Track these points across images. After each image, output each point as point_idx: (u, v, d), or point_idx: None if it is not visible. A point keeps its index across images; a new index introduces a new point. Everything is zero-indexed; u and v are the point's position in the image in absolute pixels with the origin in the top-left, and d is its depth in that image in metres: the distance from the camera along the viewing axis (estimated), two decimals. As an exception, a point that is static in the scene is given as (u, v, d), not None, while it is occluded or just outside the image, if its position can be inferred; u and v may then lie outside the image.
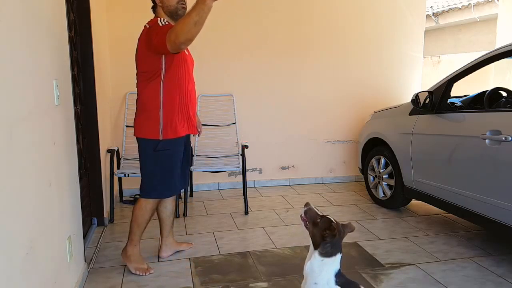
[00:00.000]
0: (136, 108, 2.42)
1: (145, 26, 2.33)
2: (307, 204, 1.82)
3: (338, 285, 1.72)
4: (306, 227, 1.79)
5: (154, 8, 2.43)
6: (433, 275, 2.45)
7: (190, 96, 2.44)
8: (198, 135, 2.86)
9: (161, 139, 2.33)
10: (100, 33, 3.45)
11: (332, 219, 1.73)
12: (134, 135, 2.43)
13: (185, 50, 2.38)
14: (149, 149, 2.38)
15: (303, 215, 1.80)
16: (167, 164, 2.40)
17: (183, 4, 2.38)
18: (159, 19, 2.28)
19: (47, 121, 1.79)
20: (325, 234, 1.69)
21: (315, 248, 1.74)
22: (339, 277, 1.73)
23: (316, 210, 1.79)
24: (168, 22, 2.30)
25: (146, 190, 2.45)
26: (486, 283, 2.35)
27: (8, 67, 1.37)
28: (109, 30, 3.82)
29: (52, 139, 1.84)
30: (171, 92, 2.34)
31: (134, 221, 2.48)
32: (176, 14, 2.37)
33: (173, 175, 2.44)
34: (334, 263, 1.72)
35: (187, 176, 2.73)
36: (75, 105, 2.47)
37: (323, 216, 1.76)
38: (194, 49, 4.07)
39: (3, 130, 1.29)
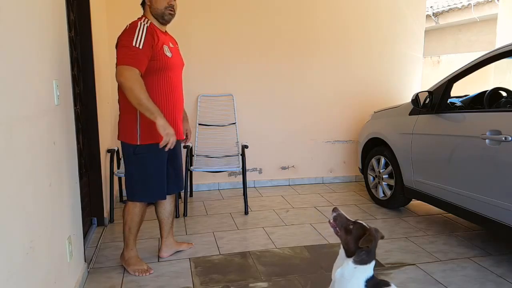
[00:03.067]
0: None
1: (126, 25, 2.29)
2: (335, 209, 1.73)
3: (368, 287, 1.63)
4: (337, 234, 1.70)
5: (143, 4, 2.40)
6: (433, 275, 2.45)
7: (174, 102, 2.39)
8: (185, 142, 2.80)
9: (138, 143, 2.32)
10: (100, 33, 3.45)
11: (365, 225, 1.64)
12: (117, 138, 2.43)
13: (169, 52, 2.33)
14: (129, 153, 2.38)
15: (332, 221, 1.72)
16: (146, 169, 2.38)
17: (171, 11, 2.35)
18: (139, 23, 2.24)
19: (47, 121, 1.79)
20: (363, 243, 1.59)
21: (349, 256, 1.65)
22: (370, 281, 1.64)
23: (345, 216, 1.71)
24: (152, 24, 2.29)
25: (130, 193, 2.46)
26: (486, 283, 2.35)
27: (8, 67, 1.37)
28: (109, 30, 3.81)
29: (52, 139, 1.84)
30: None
31: (125, 225, 2.49)
32: (162, 19, 2.35)
33: (153, 180, 2.41)
34: (367, 270, 1.64)
35: (181, 179, 2.67)
36: (75, 105, 2.47)
37: (355, 223, 1.67)
38: (194, 49, 4.10)
39: (3, 130, 1.29)
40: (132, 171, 2.42)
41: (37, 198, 1.62)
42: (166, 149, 2.24)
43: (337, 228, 1.70)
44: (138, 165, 2.38)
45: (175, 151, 2.54)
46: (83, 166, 2.95)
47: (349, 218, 1.70)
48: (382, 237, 1.72)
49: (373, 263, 1.65)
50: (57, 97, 1.93)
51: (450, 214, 3.46)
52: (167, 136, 2.20)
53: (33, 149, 1.59)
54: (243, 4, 4.17)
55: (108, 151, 3.52)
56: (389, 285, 1.69)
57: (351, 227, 1.66)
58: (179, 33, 3.94)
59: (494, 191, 2.49)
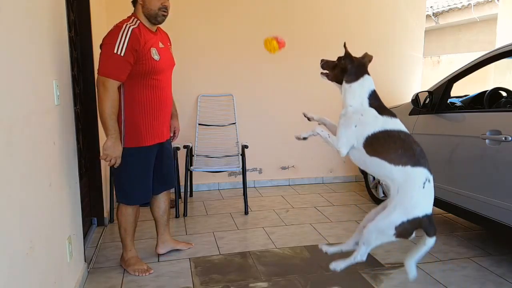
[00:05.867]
0: None
1: (113, 26, 2.24)
2: (322, 60, 2.04)
3: (372, 107, 1.86)
4: (328, 78, 2.02)
5: (134, 3, 2.32)
6: (433, 275, 2.44)
7: (159, 105, 2.36)
8: (172, 140, 2.77)
9: (123, 146, 2.30)
10: (100, 33, 3.45)
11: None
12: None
13: (157, 55, 2.28)
14: None
15: (322, 71, 2.02)
16: (131, 172, 2.36)
17: (165, 12, 2.29)
18: (125, 25, 2.18)
19: (47, 121, 1.79)
20: (341, 62, 1.93)
21: (342, 83, 1.94)
22: (373, 99, 1.88)
23: (331, 60, 2.01)
24: (141, 24, 2.24)
25: (117, 195, 2.48)
26: (486, 283, 2.35)
27: (8, 67, 1.37)
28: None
29: (52, 139, 1.84)
30: (134, 102, 2.28)
31: (120, 227, 2.49)
32: (154, 20, 2.29)
33: (136, 183, 2.40)
34: (363, 85, 1.89)
35: (169, 178, 2.64)
36: (75, 105, 2.47)
37: (338, 58, 1.97)
38: (195, 49, 4.09)
39: (3, 130, 1.29)
40: (118, 173, 2.42)
41: (37, 198, 1.62)
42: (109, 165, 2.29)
43: (327, 72, 2.02)
44: (123, 167, 2.36)
45: (163, 151, 2.53)
46: (83, 166, 2.95)
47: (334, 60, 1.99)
48: (370, 58, 2.04)
49: (366, 77, 1.91)
50: (57, 97, 1.93)
51: (450, 214, 3.46)
52: (104, 156, 2.23)
53: (33, 149, 1.59)
54: (244, 4, 4.17)
55: (108, 151, 3.51)
56: (393, 115, 1.90)
57: (336, 62, 1.98)
58: (179, 32, 3.96)
59: (494, 191, 2.49)
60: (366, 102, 1.87)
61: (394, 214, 1.78)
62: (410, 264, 1.85)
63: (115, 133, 2.22)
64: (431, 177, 1.81)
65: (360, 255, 1.91)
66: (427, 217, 1.79)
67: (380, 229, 1.82)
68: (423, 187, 1.77)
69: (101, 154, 2.26)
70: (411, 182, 1.78)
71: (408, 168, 1.79)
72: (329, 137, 1.99)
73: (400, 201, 1.78)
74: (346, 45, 1.95)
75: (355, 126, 1.87)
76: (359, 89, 1.89)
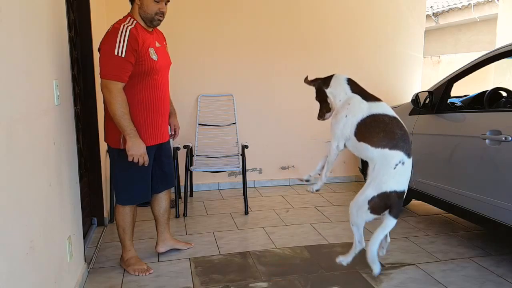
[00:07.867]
0: None
1: (110, 27, 2.24)
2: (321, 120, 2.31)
3: (355, 93, 2.10)
4: (330, 109, 2.22)
5: (132, 1, 2.31)
6: (433, 275, 2.45)
7: (158, 105, 2.36)
8: (173, 139, 2.76)
9: (122, 148, 2.29)
10: (100, 33, 3.45)
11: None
12: (104, 140, 2.43)
13: (155, 54, 2.28)
14: (112, 156, 2.38)
15: (325, 116, 2.26)
16: (128, 173, 2.35)
17: (161, 17, 2.29)
18: (122, 26, 2.18)
19: (47, 121, 1.79)
20: (313, 84, 2.23)
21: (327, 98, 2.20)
22: (352, 84, 2.14)
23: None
24: (138, 24, 2.24)
25: (115, 195, 2.49)
26: (486, 283, 2.35)
27: (8, 67, 1.37)
28: (109, 30, 3.81)
29: (52, 139, 1.84)
30: (133, 103, 2.27)
31: (118, 227, 2.51)
32: (150, 22, 2.29)
33: (134, 184, 2.40)
34: (337, 77, 2.16)
35: (169, 177, 2.64)
36: (75, 105, 2.47)
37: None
38: (195, 49, 4.10)
39: (3, 130, 1.29)
40: (116, 173, 2.42)
41: (37, 198, 1.62)
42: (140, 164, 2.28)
43: (324, 113, 2.25)
44: (121, 168, 2.36)
45: (162, 152, 2.53)
46: (83, 166, 2.95)
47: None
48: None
49: (336, 74, 2.19)
50: (57, 97, 1.93)
51: (450, 214, 3.46)
52: (130, 157, 2.23)
53: (33, 149, 1.59)
54: (244, 4, 4.17)
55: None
56: (379, 100, 2.15)
57: (320, 105, 2.26)
58: (180, 32, 3.96)
59: (494, 191, 2.49)
60: (347, 88, 2.12)
61: (368, 189, 1.99)
62: (373, 254, 2.01)
63: (132, 132, 2.22)
64: (407, 160, 1.98)
65: (358, 241, 2.12)
66: (395, 193, 1.96)
67: (358, 204, 2.03)
68: (394, 168, 1.96)
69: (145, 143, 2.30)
70: (385, 162, 1.96)
71: (386, 150, 1.97)
72: (327, 159, 2.25)
73: (374, 177, 1.99)
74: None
75: (346, 116, 2.07)
76: (337, 82, 2.14)
